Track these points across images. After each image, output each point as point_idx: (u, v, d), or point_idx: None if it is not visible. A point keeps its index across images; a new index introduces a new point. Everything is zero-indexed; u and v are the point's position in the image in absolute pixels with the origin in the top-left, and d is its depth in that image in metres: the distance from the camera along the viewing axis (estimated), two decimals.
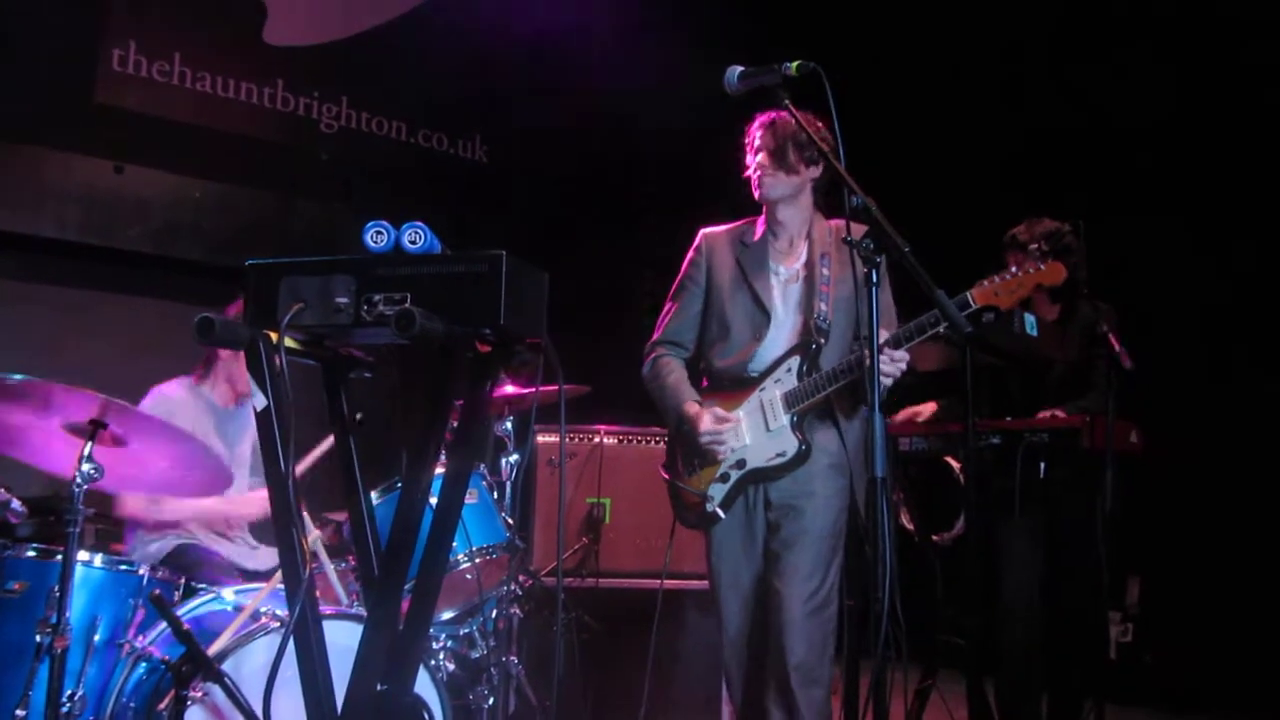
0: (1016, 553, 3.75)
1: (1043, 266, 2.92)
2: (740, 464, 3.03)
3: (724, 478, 3.04)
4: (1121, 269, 4.41)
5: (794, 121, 2.69)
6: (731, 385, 3.09)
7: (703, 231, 3.24)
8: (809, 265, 3.09)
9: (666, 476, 3.17)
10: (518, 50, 6.72)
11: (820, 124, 2.73)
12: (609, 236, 7.00)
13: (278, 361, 1.89)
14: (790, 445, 2.99)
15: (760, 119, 3.07)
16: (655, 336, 3.23)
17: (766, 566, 3.02)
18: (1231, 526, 5.15)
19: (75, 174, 5.47)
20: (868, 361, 2.31)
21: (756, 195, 3.10)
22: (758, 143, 3.07)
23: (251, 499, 3.61)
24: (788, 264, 3.13)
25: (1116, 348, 3.41)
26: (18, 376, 2.65)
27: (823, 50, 2.60)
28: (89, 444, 2.71)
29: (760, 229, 3.16)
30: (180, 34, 5.81)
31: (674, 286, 3.25)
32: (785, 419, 3.00)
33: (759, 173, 3.06)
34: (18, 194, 5.31)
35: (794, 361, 3.02)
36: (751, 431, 3.03)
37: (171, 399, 3.60)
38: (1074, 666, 3.79)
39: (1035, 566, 3.74)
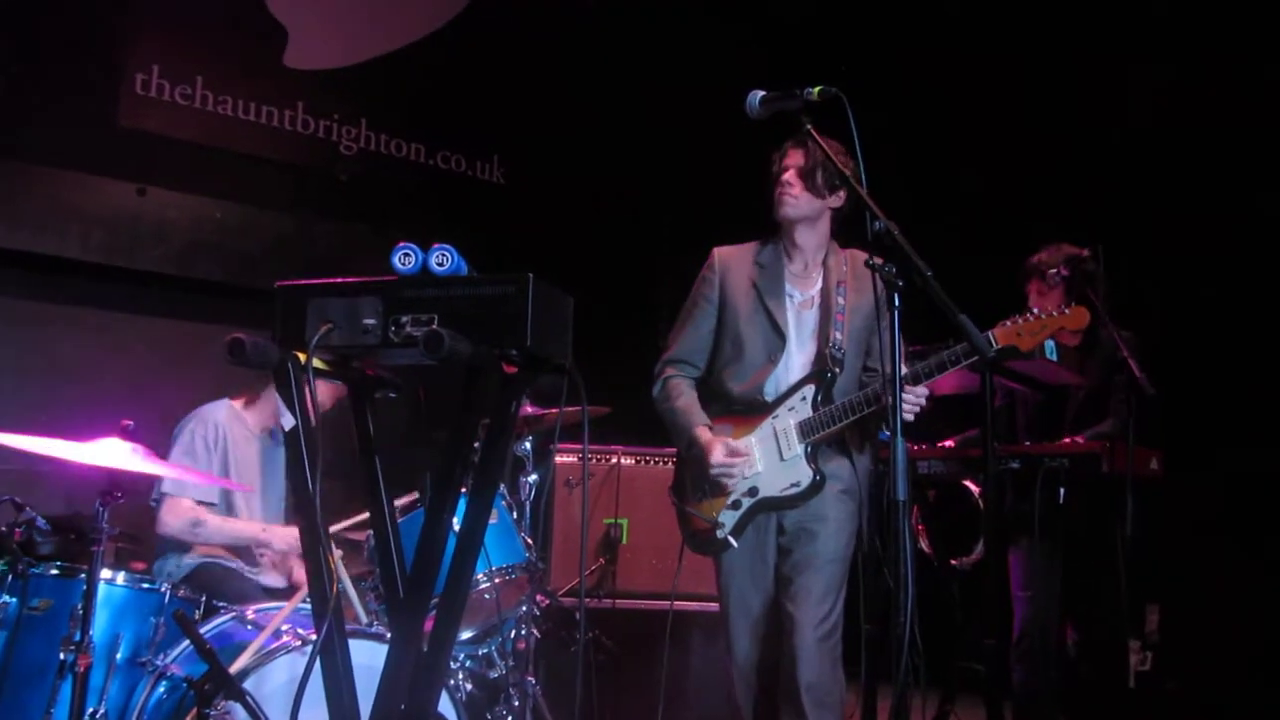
0: (1035, 578, 3.73)
1: (1067, 311, 2.93)
2: (753, 492, 3.02)
3: (735, 505, 3.03)
4: (1143, 293, 4.40)
5: (820, 148, 2.71)
6: (744, 409, 3.08)
7: (716, 250, 3.23)
8: (824, 292, 3.10)
9: (675, 500, 3.17)
10: (535, 72, 6.77)
11: (842, 150, 2.74)
12: (627, 257, 7.03)
13: (306, 381, 1.91)
14: (805, 476, 2.99)
15: (792, 140, 3.07)
16: (666, 355, 3.22)
17: (778, 590, 3.03)
18: (1253, 554, 5.11)
19: (99, 196, 5.52)
20: (889, 389, 2.31)
21: (778, 214, 3.10)
22: (787, 160, 3.07)
23: (287, 533, 3.60)
24: (803, 288, 3.13)
25: (1137, 374, 3.40)
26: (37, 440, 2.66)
27: (841, 72, 2.62)
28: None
29: (776, 251, 3.15)
30: (202, 58, 5.87)
31: (686, 304, 3.24)
32: (800, 449, 2.99)
33: (782, 190, 3.06)
34: (43, 216, 5.37)
35: (809, 390, 3.02)
36: (764, 459, 3.03)
37: (220, 425, 3.66)
38: (1093, 694, 3.76)
39: (1054, 592, 3.71)
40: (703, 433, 3.04)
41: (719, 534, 3.03)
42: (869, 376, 3.09)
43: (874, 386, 2.94)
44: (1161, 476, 3.64)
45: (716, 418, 3.11)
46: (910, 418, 2.86)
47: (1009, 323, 2.92)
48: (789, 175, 3.05)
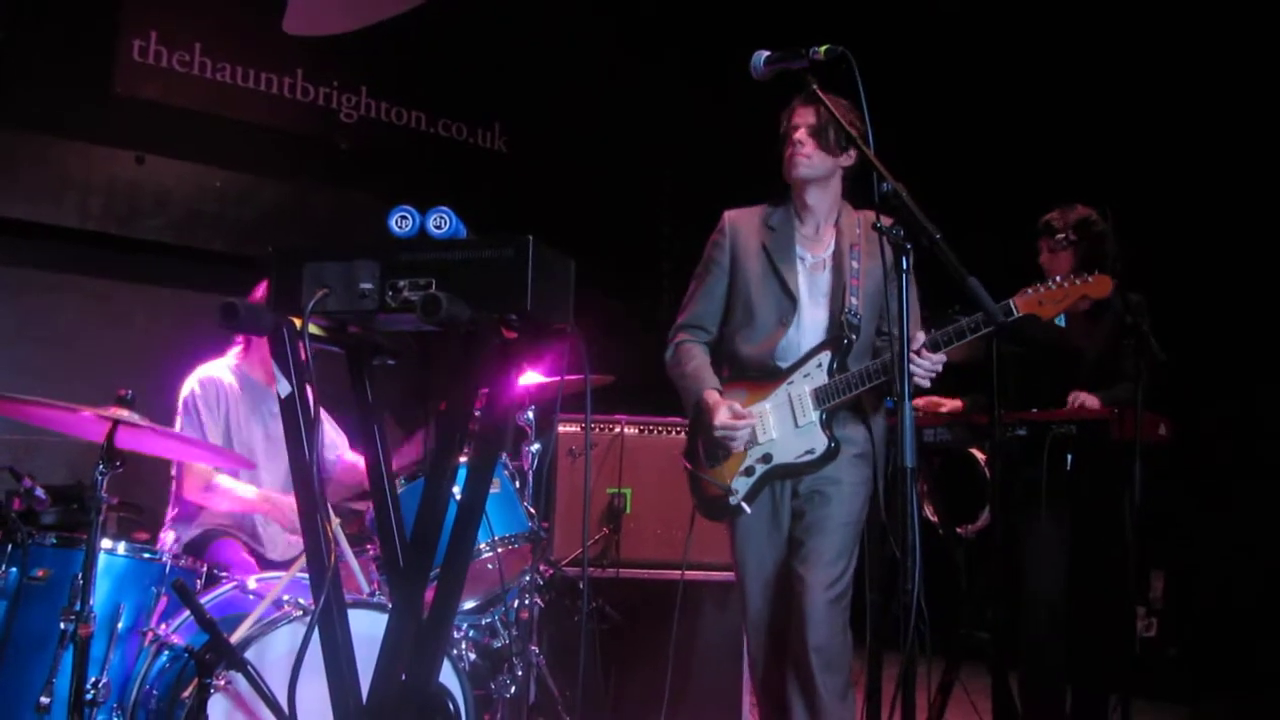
0: (1042, 545, 3.70)
1: (1090, 279, 2.88)
2: (767, 458, 2.99)
3: (749, 471, 3.01)
4: (1155, 257, 4.35)
5: (835, 108, 2.66)
6: (757, 375, 3.05)
7: (726, 213, 3.17)
8: (837, 255, 3.05)
9: (688, 466, 3.13)
10: (536, 39, 6.70)
11: (849, 106, 2.69)
12: (629, 226, 6.98)
13: (302, 348, 1.88)
14: (820, 443, 2.96)
15: (800, 98, 2.98)
16: (679, 320, 3.18)
17: (790, 552, 3.00)
18: (1256, 519, 5.10)
19: (97, 165, 5.49)
20: (896, 348, 2.28)
21: (790, 175, 3.03)
22: (796, 118, 2.99)
23: (289, 504, 3.54)
24: (815, 251, 3.08)
25: (1147, 338, 3.36)
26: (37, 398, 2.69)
27: (845, 39, 2.57)
28: (111, 434, 2.73)
29: (787, 213, 3.10)
30: (200, 24, 5.82)
31: (698, 269, 3.19)
32: (815, 415, 2.96)
33: (794, 150, 2.98)
34: (41, 185, 5.34)
35: (824, 357, 2.98)
36: (779, 426, 2.99)
37: (220, 385, 3.62)
38: (1100, 660, 3.75)
39: (1061, 559, 3.69)
40: (710, 395, 3.01)
41: (732, 500, 3.01)
42: (882, 341, 3.06)
43: (888, 354, 2.89)
44: (1170, 443, 3.61)
45: (729, 383, 3.07)
46: (926, 384, 2.83)
47: (1030, 291, 2.86)
48: (801, 134, 2.97)
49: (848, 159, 3.00)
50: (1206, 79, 5.33)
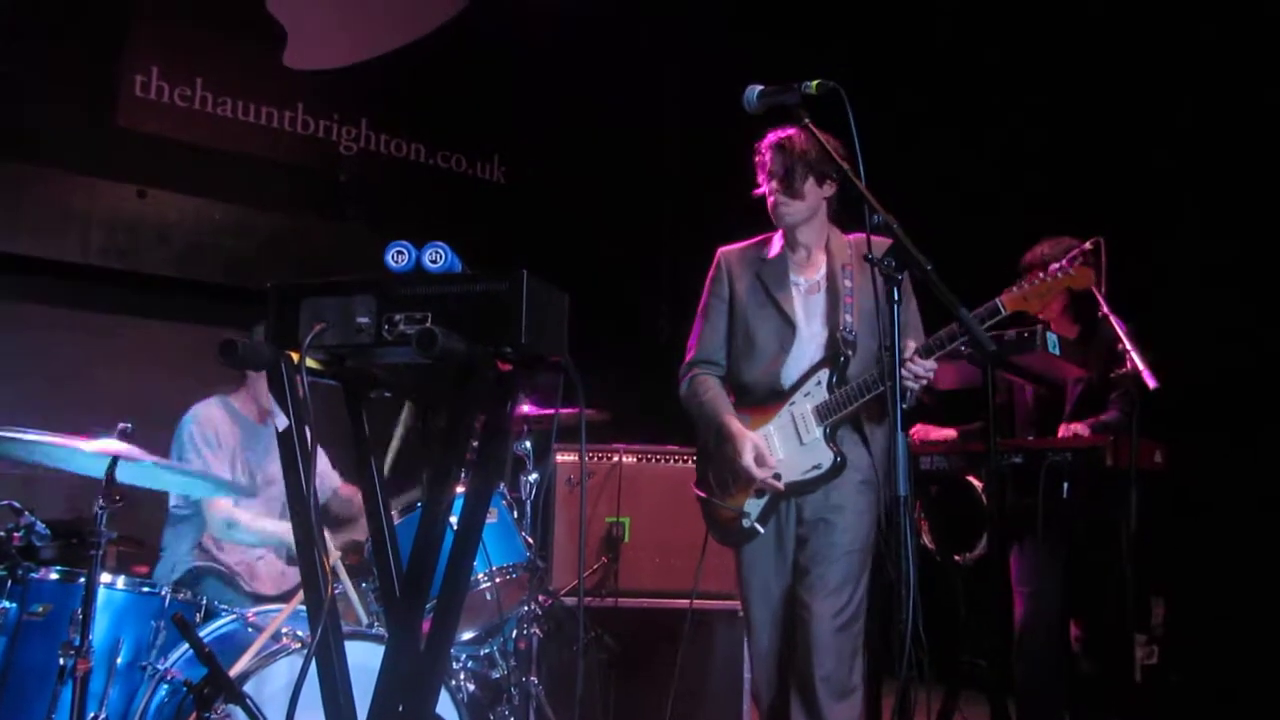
0: (1039, 573, 3.71)
1: (1072, 271, 2.92)
2: (775, 478, 3.02)
3: (760, 493, 3.05)
4: (1146, 285, 4.37)
5: (807, 140, 2.68)
6: (761, 399, 3.10)
7: (720, 250, 3.26)
8: (830, 276, 3.11)
9: (701, 494, 3.17)
10: (535, 71, 6.76)
11: (837, 141, 2.73)
12: (627, 258, 7.02)
13: (299, 382, 1.90)
14: (825, 458, 2.99)
15: (770, 139, 3.06)
16: (689, 357, 3.24)
17: (795, 580, 3.02)
18: (1258, 546, 5.09)
19: (99, 198, 5.53)
20: (889, 380, 2.30)
21: (775, 222, 3.13)
22: (769, 166, 3.07)
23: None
24: (807, 275, 3.14)
25: (1139, 366, 3.38)
26: (36, 435, 2.72)
27: (840, 65, 2.60)
28: (111, 468, 2.74)
29: (778, 245, 3.18)
30: (201, 59, 5.88)
31: (700, 307, 3.26)
32: (818, 431, 3.00)
33: (773, 199, 3.07)
34: (42, 219, 5.38)
35: (823, 374, 3.03)
36: (784, 446, 3.03)
37: (209, 418, 3.67)
38: (1098, 688, 3.75)
39: (1058, 587, 3.70)
40: (732, 422, 3.05)
41: (745, 523, 3.05)
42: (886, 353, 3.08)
43: (886, 364, 2.91)
44: (1166, 469, 3.62)
45: (735, 409, 3.12)
46: (915, 387, 2.87)
47: (1015, 288, 2.92)
48: (773, 185, 3.06)
49: (828, 189, 3.08)
50: (1208, 92, 5.36)
